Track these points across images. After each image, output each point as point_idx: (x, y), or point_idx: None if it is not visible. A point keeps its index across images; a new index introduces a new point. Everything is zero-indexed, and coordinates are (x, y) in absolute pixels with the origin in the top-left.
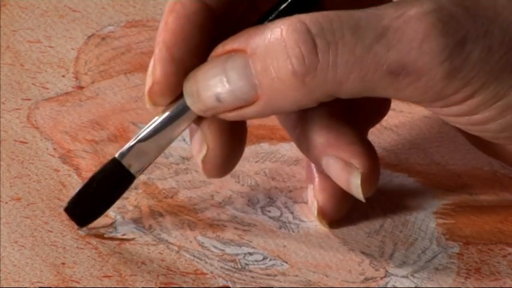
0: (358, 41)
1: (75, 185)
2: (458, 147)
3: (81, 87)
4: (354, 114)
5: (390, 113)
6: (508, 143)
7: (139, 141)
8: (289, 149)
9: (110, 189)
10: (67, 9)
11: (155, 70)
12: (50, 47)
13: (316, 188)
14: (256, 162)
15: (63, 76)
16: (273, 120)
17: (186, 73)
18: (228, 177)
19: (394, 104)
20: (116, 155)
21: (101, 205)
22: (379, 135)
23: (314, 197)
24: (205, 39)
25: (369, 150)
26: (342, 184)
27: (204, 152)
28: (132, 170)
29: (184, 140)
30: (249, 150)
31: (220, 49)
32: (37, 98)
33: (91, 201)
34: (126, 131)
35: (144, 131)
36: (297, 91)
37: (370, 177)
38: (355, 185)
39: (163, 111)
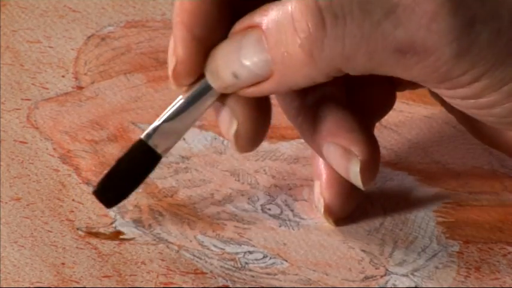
0: (366, 17)
1: (75, 185)
2: (458, 147)
3: (81, 88)
4: (360, 107)
5: (390, 112)
6: (510, 129)
7: (165, 121)
8: (289, 148)
9: (137, 170)
10: (67, 9)
11: (177, 50)
12: (50, 47)
13: (323, 185)
14: (256, 160)
15: (63, 76)
16: (273, 120)
17: (208, 52)
18: (228, 175)
19: (395, 105)
20: (142, 136)
21: (129, 186)
22: (379, 134)
23: (321, 194)
24: (224, 16)
25: (369, 138)
26: (342, 171)
27: (234, 127)
28: (159, 150)
29: (184, 139)
30: None
31: (238, 26)
32: (37, 98)
33: (119, 183)
34: (126, 131)
35: (169, 110)
36: (306, 65)
37: (369, 165)
38: (354, 173)
39: (187, 91)
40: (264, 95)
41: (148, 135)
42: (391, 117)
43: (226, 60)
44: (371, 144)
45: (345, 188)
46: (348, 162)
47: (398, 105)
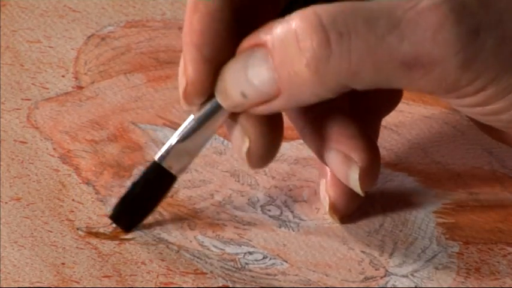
0: (370, 32)
1: (75, 185)
2: (458, 147)
3: (81, 87)
4: (365, 104)
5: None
6: None
7: (178, 142)
8: (289, 148)
9: (152, 192)
10: (67, 9)
11: (187, 71)
12: (50, 47)
13: (328, 183)
14: None
15: (63, 76)
16: None
17: (217, 71)
18: (228, 176)
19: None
20: (156, 158)
21: (145, 208)
22: (380, 134)
23: (326, 191)
24: (232, 35)
25: (369, 144)
26: (342, 178)
27: (246, 145)
28: (173, 171)
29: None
30: None
31: (244, 44)
32: (37, 98)
33: (135, 206)
34: (126, 131)
35: (181, 131)
36: (313, 83)
37: (368, 172)
38: (353, 179)
39: (198, 110)
40: (273, 112)
41: (162, 157)
42: (391, 117)
43: (234, 79)
44: (371, 151)
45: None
46: (347, 169)
47: (398, 105)
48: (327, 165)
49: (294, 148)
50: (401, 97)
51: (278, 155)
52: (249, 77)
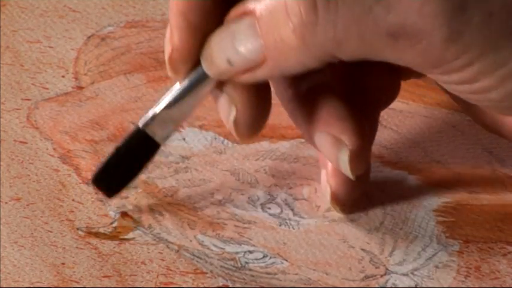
0: (357, 2)
1: (75, 185)
2: (458, 147)
3: (80, 88)
4: (363, 95)
5: (390, 112)
6: (508, 114)
7: (163, 109)
8: (289, 147)
9: (135, 159)
10: (67, 9)
11: (173, 37)
12: (50, 47)
13: (329, 173)
14: (256, 160)
15: (62, 76)
16: (273, 119)
17: (204, 39)
18: (228, 175)
19: (394, 104)
20: (140, 125)
21: (128, 175)
22: (380, 134)
23: (327, 181)
24: (220, 3)
25: (359, 128)
26: (332, 160)
27: (233, 113)
28: (157, 138)
29: (184, 139)
30: (249, 148)
31: (232, 13)
32: (37, 98)
33: (117, 172)
34: (126, 131)
35: (166, 99)
36: (298, 50)
37: (358, 155)
38: (343, 162)
39: (184, 78)
40: (258, 80)
41: (146, 124)
42: (391, 118)
43: (221, 46)
44: (361, 134)
45: None
46: (337, 151)
47: (398, 105)
48: (315, 147)
49: (294, 147)
50: (399, 89)
51: (278, 153)
52: (235, 44)
